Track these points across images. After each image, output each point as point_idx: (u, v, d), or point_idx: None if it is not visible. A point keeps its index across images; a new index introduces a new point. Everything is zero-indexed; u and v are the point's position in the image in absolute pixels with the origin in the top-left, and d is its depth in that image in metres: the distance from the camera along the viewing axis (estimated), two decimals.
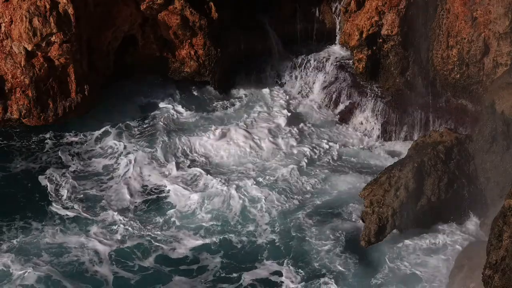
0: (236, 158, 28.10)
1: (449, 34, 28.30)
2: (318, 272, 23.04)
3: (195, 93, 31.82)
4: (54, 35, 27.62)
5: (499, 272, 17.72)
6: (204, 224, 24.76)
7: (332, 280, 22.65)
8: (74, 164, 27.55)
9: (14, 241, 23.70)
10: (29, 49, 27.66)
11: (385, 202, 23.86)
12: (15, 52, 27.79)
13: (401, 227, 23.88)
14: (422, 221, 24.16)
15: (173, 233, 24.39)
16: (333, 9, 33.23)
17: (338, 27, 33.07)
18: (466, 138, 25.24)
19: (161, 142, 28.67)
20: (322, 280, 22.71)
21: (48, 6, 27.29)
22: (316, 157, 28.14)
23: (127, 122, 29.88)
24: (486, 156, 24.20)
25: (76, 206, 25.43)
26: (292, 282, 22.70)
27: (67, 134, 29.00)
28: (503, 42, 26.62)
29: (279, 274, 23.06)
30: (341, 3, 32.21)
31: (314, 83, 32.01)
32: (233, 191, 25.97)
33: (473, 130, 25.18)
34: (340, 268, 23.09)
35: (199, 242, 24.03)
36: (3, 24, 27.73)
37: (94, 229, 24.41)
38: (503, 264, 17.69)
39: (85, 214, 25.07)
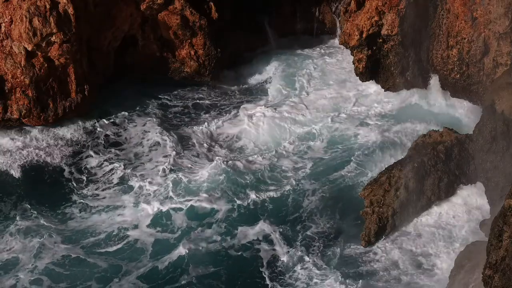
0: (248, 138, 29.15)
1: (449, 34, 28.30)
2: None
3: (193, 90, 32.08)
4: (54, 35, 27.64)
5: (499, 272, 17.70)
6: (218, 192, 26.14)
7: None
8: (100, 152, 28.45)
9: (59, 215, 25.42)
10: (29, 49, 27.66)
11: (385, 202, 23.87)
12: (15, 52, 27.79)
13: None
14: None
15: (194, 197, 25.88)
16: (333, 9, 33.29)
17: (338, 27, 33.30)
18: (466, 138, 25.23)
19: (170, 133, 29.37)
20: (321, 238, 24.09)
21: (48, 6, 27.31)
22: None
23: (129, 121, 30.12)
24: (486, 156, 24.18)
25: (108, 186, 26.69)
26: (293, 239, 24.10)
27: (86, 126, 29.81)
28: (503, 42, 26.61)
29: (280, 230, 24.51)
30: (341, 3, 32.24)
31: None
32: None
33: (473, 130, 25.17)
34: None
35: (215, 206, 25.63)
36: (3, 24, 27.74)
37: (128, 203, 25.90)
38: (503, 264, 17.67)
39: (117, 192, 26.51)
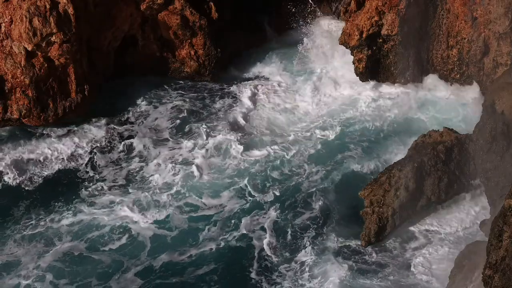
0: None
1: (449, 34, 28.32)
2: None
3: (195, 88, 32.15)
4: (54, 35, 27.65)
5: (499, 272, 17.71)
6: (221, 187, 26.60)
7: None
8: (114, 149, 28.77)
9: (68, 212, 25.74)
10: (29, 49, 27.67)
11: (385, 202, 23.88)
12: (15, 52, 27.81)
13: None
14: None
15: (197, 193, 26.35)
16: (333, 9, 33.28)
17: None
18: (466, 138, 25.23)
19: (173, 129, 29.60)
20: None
21: (48, 6, 27.32)
22: None
23: (131, 120, 30.20)
24: (486, 156, 24.19)
25: (113, 185, 26.93)
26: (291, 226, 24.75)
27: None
28: (503, 42, 26.63)
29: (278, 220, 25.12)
30: (341, 3, 32.23)
31: None
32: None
33: (473, 130, 25.18)
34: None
35: (218, 201, 26.13)
36: (3, 24, 27.75)
37: (130, 200, 26.17)
38: (503, 264, 17.67)
39: (121, 190, 26.77)
